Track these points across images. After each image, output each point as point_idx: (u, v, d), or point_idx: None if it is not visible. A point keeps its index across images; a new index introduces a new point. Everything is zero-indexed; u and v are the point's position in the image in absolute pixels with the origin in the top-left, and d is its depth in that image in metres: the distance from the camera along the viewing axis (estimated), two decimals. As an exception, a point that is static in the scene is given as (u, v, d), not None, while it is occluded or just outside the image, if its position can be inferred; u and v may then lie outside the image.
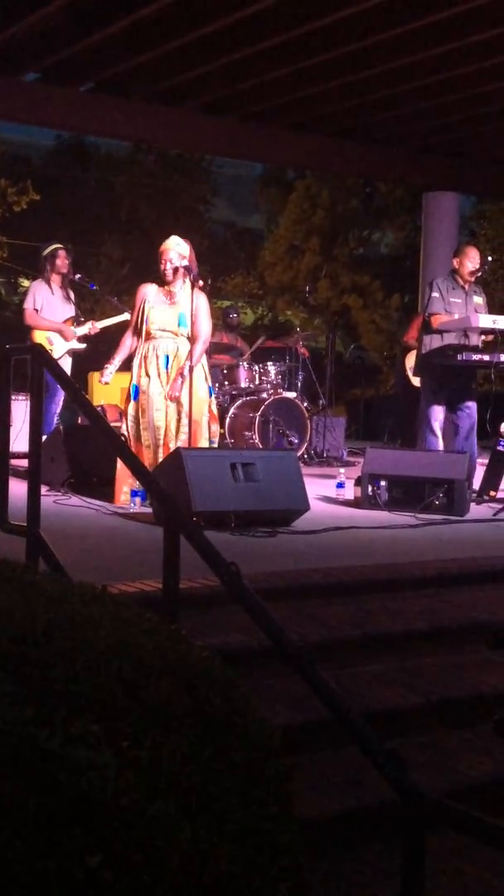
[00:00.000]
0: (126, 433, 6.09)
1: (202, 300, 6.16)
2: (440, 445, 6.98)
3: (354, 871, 2.66)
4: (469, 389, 7.11)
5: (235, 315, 11.04)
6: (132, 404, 6.14)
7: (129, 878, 1.38)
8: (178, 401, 5.99)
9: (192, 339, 6.05)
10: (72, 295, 8.00)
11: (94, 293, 10.67)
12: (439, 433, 6.99)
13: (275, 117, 9.01)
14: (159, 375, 6.07)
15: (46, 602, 1.92)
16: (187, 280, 6.09)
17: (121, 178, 24.27)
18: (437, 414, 7.00)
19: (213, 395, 6.46)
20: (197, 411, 6.01)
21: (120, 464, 5.81)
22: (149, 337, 6.10)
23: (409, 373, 9.70)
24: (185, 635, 1.95)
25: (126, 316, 7.19)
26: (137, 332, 6.18)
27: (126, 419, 6.20)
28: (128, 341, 6.25)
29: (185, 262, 6.10)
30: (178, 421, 6.01)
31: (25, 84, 8.25)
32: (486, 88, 8.17)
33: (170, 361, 6.08)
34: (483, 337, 6.88)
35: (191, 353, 6.02)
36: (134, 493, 5.83)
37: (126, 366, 6.37)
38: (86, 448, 6.48)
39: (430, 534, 5.47)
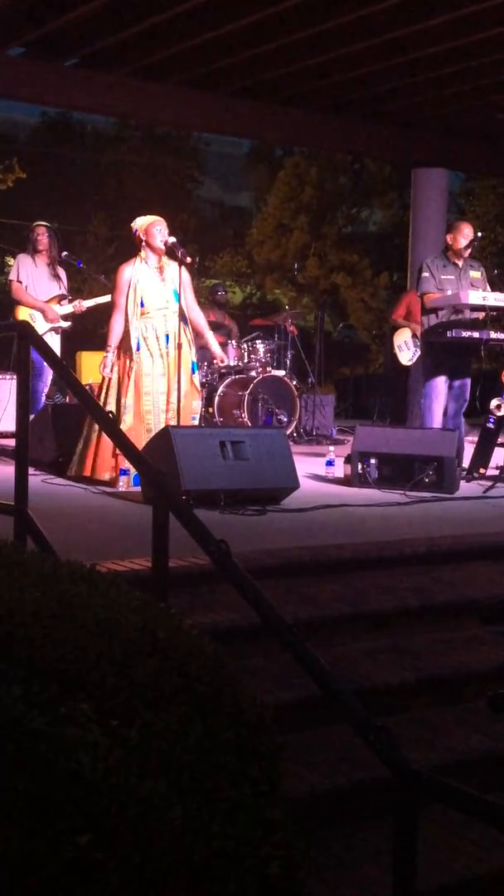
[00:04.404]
0: (113, 412, 5.99)
1: (187, 275, 6.13)
2: (438, 422, 6.94)
3: (346, 848, 2.67)
4: (466, 367, 7.09)
5: (223, 293, 10.99)
6: (130, 386, 5.95)
7: (120, 857, 1.37)
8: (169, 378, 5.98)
9: (181, 316, 5.99)
10: (62, 273, 7.91)
11: (80, 271, 10.60)
12: (438, 410, 6.95)
13: (263, 93, 8.93)
14: (162, 356, 6.00)
15: (35, 581, 1.90)
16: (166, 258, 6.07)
17: (108, 155, 24.09)
18: (437, 390, 6.97)
19: (197, 370, 6.39)
20: (185, 383, 6.00)
21: (104, 441, 5.77)
22: (144, 316, 6.01)
23: (397, 351, 9.70)
24: (174, 614, 1.94)
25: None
26: (128, 313, 6.03)
27: (113, 397, 6.04)
28: (119, 326, 6.07)
29: (169, 242, 6.05)
30: (167, 400, 5.98)
31: (9, 59, 8.15)
32: (475, 63, 8.12)
33: (170, 340, 6.03)
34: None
35: (197, 326, 6.11)
36: (122, 472, 5.80)
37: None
38: (74, 427, 6.44)
39: (420, 511, 5.47)
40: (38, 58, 8.06)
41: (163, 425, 5.90)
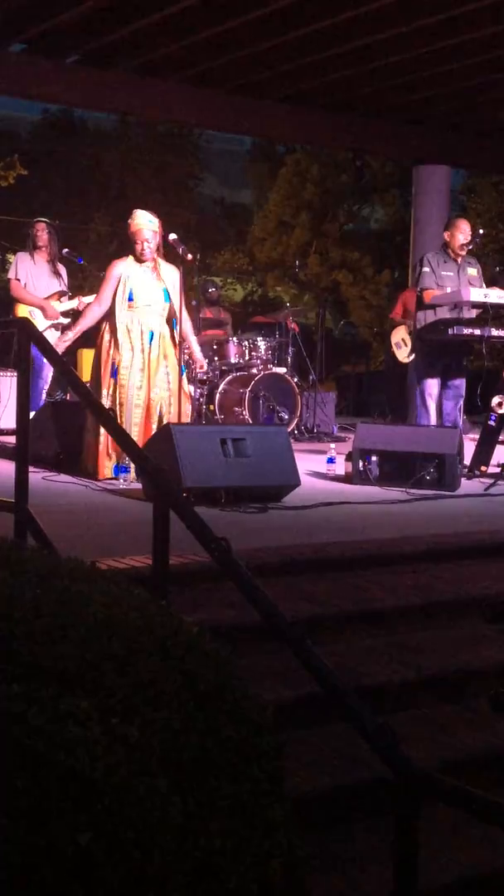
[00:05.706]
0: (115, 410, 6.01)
1: (177, 274, 6.13)
2: (433, 420, 6.97)
3: (347, 847, 2.66)
4: (460, 365, 7.09)
5: (214, 289, 10.95)
6: (110, 381, 5.98)
7: (121, 854, 1.37)
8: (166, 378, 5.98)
9: (173, 315, 5.99)
10: (62, 270, 7.91)
11: (82, 268, 10.59)
12: (432, 408, 6.97)
13: (264, 89, 8.92)
14: (143, 351, 6.00)
15: (35, 579, 1.90)
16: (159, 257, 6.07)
17: (109, 152, 24.07)
18: (431, 388, 6.98)
19: (185, 373, 6.38)
20: (181, 386, 6.00)
21: (103, 438, 5.78)
22: (131, 308, 6.00)
23: (395, 349, 9.72)
24: (175, 611, 1.94)
25: None
26: (111, 306, 6.02)
27: (108, 395, 6.04)
28: (92, 314, 6.14)
29: (170, 239, 6.06)
30: (147, 397, 5.97)
31: (10, 55, 8.14)
32: (476, 60, 8.11)
33: (154, 338, 6.02)
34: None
35: (181, 330, 6.01)
36: (119, 469, 5.80)
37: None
38: (74, 424, 6.44)
39: (421, 509, 5.46)
40: (40, 54, 8.06)
41: (137, 420, 5.92)
